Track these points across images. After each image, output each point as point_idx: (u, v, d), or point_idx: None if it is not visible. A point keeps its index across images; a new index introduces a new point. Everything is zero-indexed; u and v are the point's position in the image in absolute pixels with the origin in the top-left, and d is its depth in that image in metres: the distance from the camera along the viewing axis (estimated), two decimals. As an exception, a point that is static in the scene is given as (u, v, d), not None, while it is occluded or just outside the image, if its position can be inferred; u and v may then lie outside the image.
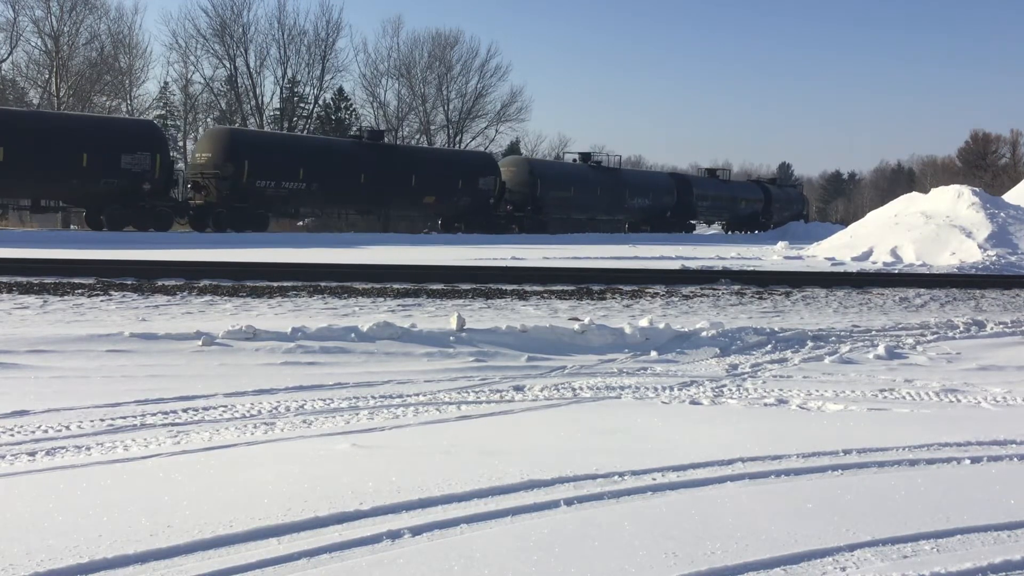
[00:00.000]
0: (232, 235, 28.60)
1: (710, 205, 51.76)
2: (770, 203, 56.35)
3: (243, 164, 30.66)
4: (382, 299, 11.09)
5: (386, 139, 40.39)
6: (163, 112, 56.17)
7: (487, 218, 38.95)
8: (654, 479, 4.29)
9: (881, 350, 8.70)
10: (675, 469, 4.45)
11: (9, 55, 48.31)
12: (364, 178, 34.64)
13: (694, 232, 50.01)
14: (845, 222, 49.07)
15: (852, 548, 3.45)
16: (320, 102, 58.96)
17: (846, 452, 4.86)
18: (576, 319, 9.39)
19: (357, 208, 37.27)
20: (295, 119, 57.00)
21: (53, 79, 48.20)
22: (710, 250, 27.53)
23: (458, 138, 61.00)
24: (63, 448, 4.64)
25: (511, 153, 60.31)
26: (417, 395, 6.32)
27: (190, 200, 31.89)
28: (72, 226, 36.32)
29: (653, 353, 8.30)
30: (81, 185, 27.99)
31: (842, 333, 9.53)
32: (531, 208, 40.35)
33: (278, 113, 57.77)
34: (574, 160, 48.52)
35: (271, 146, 33.73)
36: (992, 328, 10.19)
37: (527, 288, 12.86)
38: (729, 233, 53.96)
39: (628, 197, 45.88)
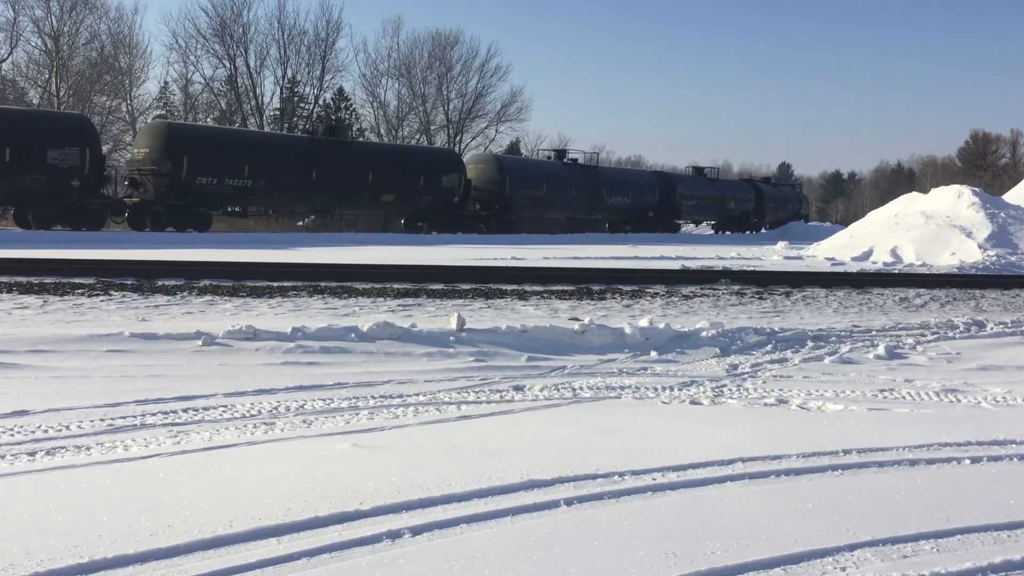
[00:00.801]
0: (173, 235, 27.49)
1: (696, 204, 49.95)
2: (762, 202, 54.74)
3: (182, 160, 29.15)
4: (382, 299, 11.09)
5: (354, 136, 40.03)
6: (163, 112, 56.11)
7: (452, 217, 37.21)
8: (654, 479, 4.29)
9: (881, 350, 8.70)
10: (675, 469, 4.45)
11: (9, 55, 48.31)
12: (316, 175, 32.97)
13: (679, 232, 48.27)
14: (845, 222, 48.84)
15: (852, 548, 3.45)
16: (320, 102, 58.96)
17: (846, 452, 4.86)
18: (576, 319, 9.39)
19: (309, 206, 35.93)
20: (295, 119, 56.99)
21: (53, 79, 48.18)
22: (710, 250, 27.53)
23: (458, 138, 60.97)
24: (63, 448, 4.64)
25: (511, 153, 60.26)
26: (417, 395, 6.32)
27: (128, 198, 30.25)
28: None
29: (653, 353, 8.30)
30: (5, 182, 26.44)
31: (842, 333, 9.53)
32: (499, 207, 38.69)
33: (278, 113, 57.77)
34: (548, 157, 46.92)
35: (213, 141, 31.62)
36: (992, 328, 10.19)
37: (527, 288, 12.86)
38: (718, 233, 52.43)
39: (606, 196, 44.11)
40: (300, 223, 38.33)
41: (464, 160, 42.70)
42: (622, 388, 6.84)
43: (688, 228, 55.98)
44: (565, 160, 44.57)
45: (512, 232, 37.48)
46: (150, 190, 29.32)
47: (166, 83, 56.73)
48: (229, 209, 33.14)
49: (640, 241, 34.05)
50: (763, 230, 56.20)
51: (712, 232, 54.13)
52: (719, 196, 51.59)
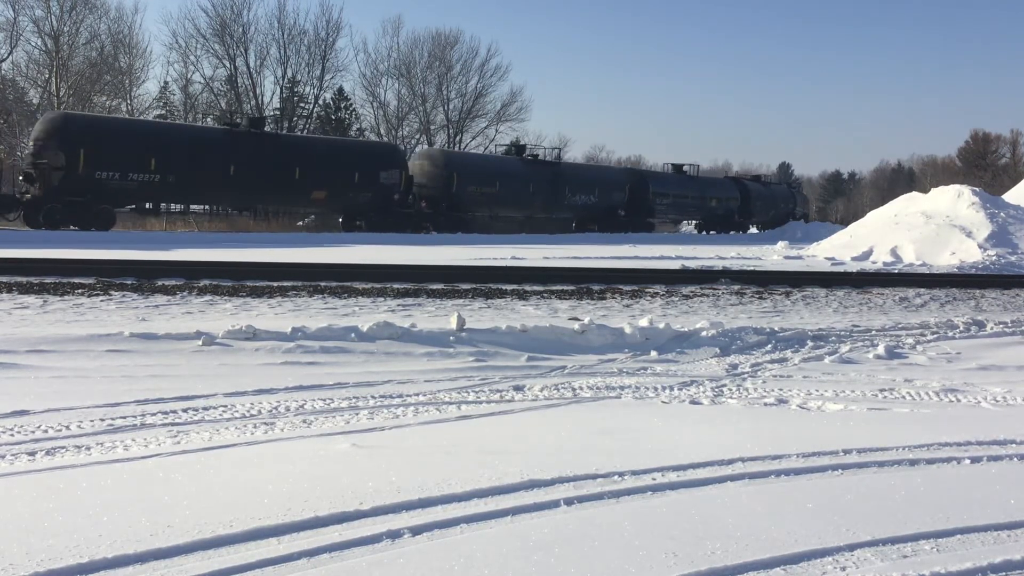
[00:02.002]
0: (67, 233, 25.51)
1: (672, 203, 47.54)
2: (748, 201, 52.57)
3: (78, 152, 26.98)
4: (382, 299, 11.09)
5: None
6: (163, 112, 56.12)
7: (392, 216, 35.01)
8: (654, 479, 4.29)
9: (881, 350, 8.70)
10: (675, 469, 4.45)
11: (9, 55, 48.30)
12: (234, 170, 30.62)
13: (653, 232, 45.53)
14: (845, 222, 48.32)
15: (852, 548, 3.45)
16: (320, 102, 58.97)
17: (846, 452, 4.86)
18: (576, 319, 9.38)
19: (228, 203, 33.74)
20: (295, 119, 57.00)
21: (53, 79, 48.17)
22: (709, 250, 27.53)
23: (458, 138, 60.97)
24: (63, 448, 4.64)
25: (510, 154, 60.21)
26: (417, 395, 6.32)
27: (23, 194, 28.26)
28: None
29: (653, 353, 8.30)
30: None
31: (842, 333, 9.53)
32: (447, 205, 36.52)
33: (278, 113, 57.77)
34: (505, 152, 44.75)
35: (114, 133, 29.10)
36: (992, 328, 10.19)
37: (527, 288, 12.86)
38: (701, 233, 50.39)
39: (569, 193, 41.84)
40: (300, 223, 38.09)
41: (414, 155, 40.56)
42: (622, 388, 6.84)
43: (684, 228, 54.27)
44: (525, 156, 42.47)
45: (462, 232, 35.75)
46: (45, 185, 27.36)
47: (166, 83, 56.78)
48: (139, 206, 31.33)
49: (607, 241, 32.80)
50: (752, 230, 54.69)
51: (695, 232, 52.32)
52: (699, 195, 49.50)
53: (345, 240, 27.72)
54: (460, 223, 36.65)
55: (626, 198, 44.74)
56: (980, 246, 22.59)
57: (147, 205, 31.38)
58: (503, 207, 39.74)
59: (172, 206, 34.82)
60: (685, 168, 50.66)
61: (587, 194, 43.12)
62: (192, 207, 35.84)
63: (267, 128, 34.46)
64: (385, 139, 56.45)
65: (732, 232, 50.92)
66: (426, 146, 54.74)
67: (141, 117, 48.65)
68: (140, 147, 28.88)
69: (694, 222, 52.93)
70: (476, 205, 37.99)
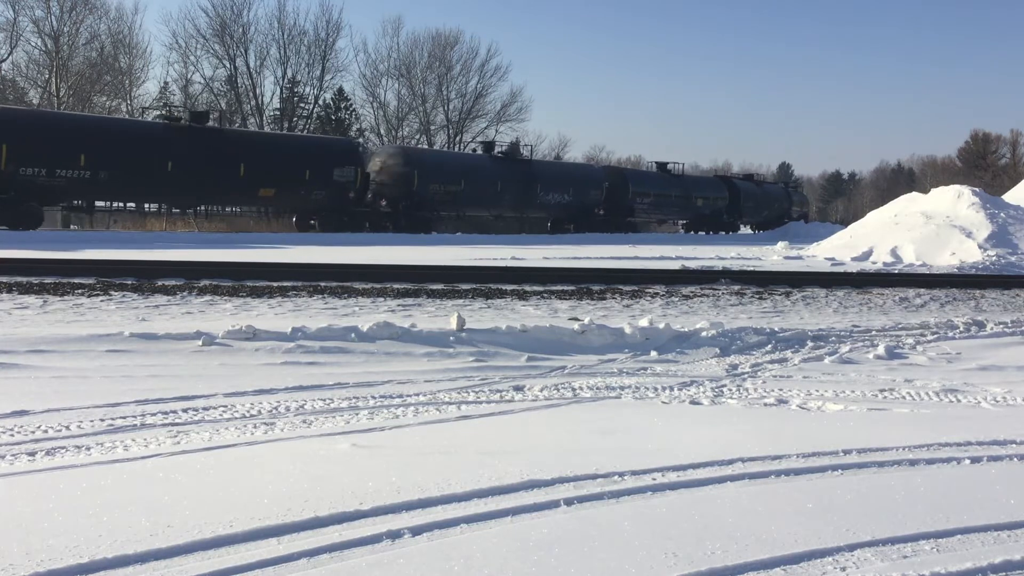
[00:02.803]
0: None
1: (653, 202, 46.12)
2: (738, 201, 51.31)
3: (0, 148, 25.70)
4: (382, 299, 11.09)
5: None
6: (163, 112, 56.12)
7: (348, 215, 33.74)
8: (654, 479, 4.29)
9: (881, 350, 8.70)
10: (675, 469, 4.45)
11: (9, 55, 48.34)
12: (172, 166, 29.08)
13: (634, 232, 43.79)
14: (845, 222, 48.08)
15: (852, 548, 3.45)
16: (320, 102, 59.03)
17: (846, 452, 4.86)
18: (576, 319, 9.38)
19: (167, 201, 31.91)
20: (295, 119, 57.01)
21: (53, 79, 48.18)
22: (710, 250, 27.53)
23: (458, 138, 61.01)
24: (63, 448, 4.64)
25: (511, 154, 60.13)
26: (417, 395, 6.32)
27: None
28: (72, 226, 36.25)
29: (653, 353, 8.30)
30: None
31: (842, 333, 9.53)
32: (407, 204, 35.06)
33: (278, 113, 57.79)
34: (473, 150, 43.37)
35: (39, 127, 27.80)
36: (992, 328, 10.19)
37: (527, 288, 12.86)
38: (688, 233, 49.18)
39: (541, 192, 40.43)
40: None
41: (374, 152, 39.19)
42: (622, 388, 6.84)
43: (678, 229, 52.84)
44: (494, 153, 40.93)
45: (425, 231, 34.63)
46: None
47: (166, 83, 56.82)
48: (69, 205, 29.95)
49: (583, 241, 31.70)
50: (743, 230, 53.74)
51: (682, 232, 50.97)
52: (684, 194, 48.05)
53: (345, 240, 27.52)
54: (422, 223, 35.36)
55: (603, 197, 43.36)
56: (980, 246, 22.59)
57: (77, 203, 29.61)
58: (470, 206, 38.42)
59: (117, 204, 33.04)
60: (670, 166, 49.42)
61: (561, 193, 41.62)
62: (136, 205, 33.69)
63: (211, 123, 32.74)
64: (386, 140, 56.45)
65: (721, 232, 49.50)
66: (425, 145, 54.67)
67: (143, 117, 48.47)
68: (68, 142, 27.39)
69: (682, 222, 51.57)
70: (440, 204, 36.58)
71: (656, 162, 50.48)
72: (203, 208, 34.05)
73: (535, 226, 43.17)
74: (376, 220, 34.93)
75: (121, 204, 32.41)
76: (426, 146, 56.69)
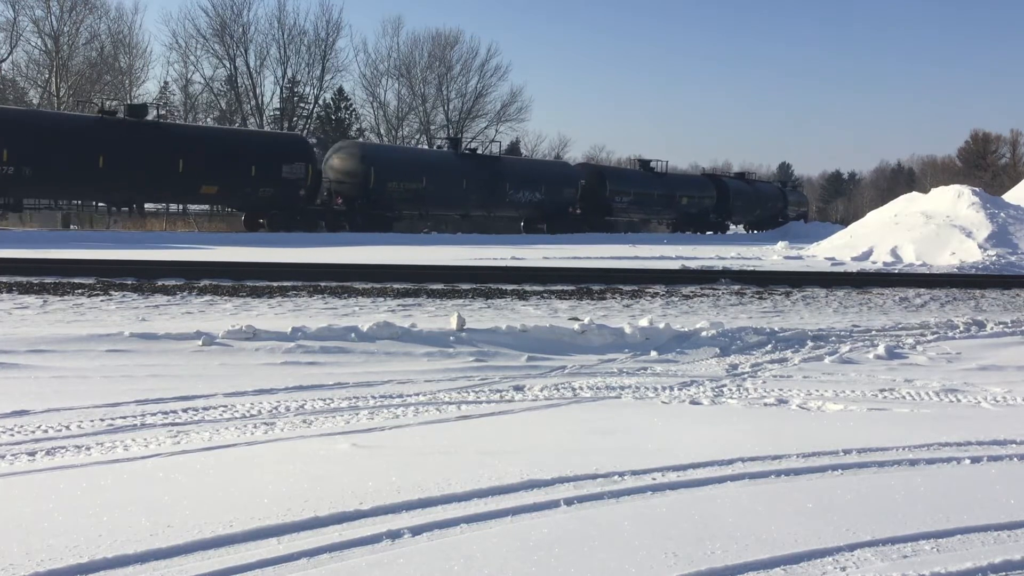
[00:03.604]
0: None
1: (634, 201, 44.10)
2: (726, 200, 49.40)
3: None
4: (382, 299, 11.09)
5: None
6: (164, 112, 56.12)
7: (298, 213, 31.95)
8: (654, 479, 4.29)
9: (881, 350, 8.70)
10: (675, 469, 4.45)
11: (9, 55, 48.36)
12: (104, 162, 27.44)
13: (613, 232, 41.81)
14: (845, 222, 47.88)
15: (852, 548, 3.45)
16: (320, 102, 59.06)
17: (846, 452, 4.86)
18: (576, 319, 9.38)
19: (100, 198, 30.00)
20: (295, 119, 57.03)
21: (53, 79, 48.20)
22: (710, 250, 27.54)
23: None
24: (63, 448, 4.64)
25: (510, 154, 60.14)
26: (417, 395, 6.32)
27: None
28: (72, 226, 36.22)
29: (653, 353, 8.30)
30: None
31: (842, 333, 9.53)
32: (364, 202, 33.33)
33: (278, 113, 57.80)
34: (438, 147, 41.93)
35: None
36: (992, 328, 10.19)
37: (527, 288, 12.86)
38: (674, 233, 47.04)
39: (510, 190, 38.58)
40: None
41: (331, 148, 37.48)
42: (622, 388, 6.84)
43: (665, 228, 50.54)
44: (460, 150, 39.49)
45: (384, 231, 32.73)
46: None
47: (166, 83, 56.87)
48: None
49: (558, 242, 30.56)
50: (734, 230, 52.60)
51: (668, 231, 48.79)
52: (667, 192, 46.23)
53: (345, 240, 27.46)
54: (381, 222, 33.55)
55: (579, 195, 41.72)
56: (980, 246, 22.59)
57: (4, 201, 27.73)
58: (433, 205, 36.63)
59: (46, 202, 30.91)
60: (653, 164, 47.72)
61: (532, 191, 39.78)
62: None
63: (151, 116, 30.89)
64: (385, 140, 56.39)
65: (709, 232, 47.95)
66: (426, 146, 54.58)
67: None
68: None
69: (668, 221, 49.49)
70: (400, 203, 34.84)
71: (639, 159, 49.02)
72: (158, 207, 32.70)
73: (507, 225, 41.45)
74: (332, 219, 33.42)
75: (57, 201, 30.69)
76: (425, 145, 56.66)
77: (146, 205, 33.14)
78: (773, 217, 54.48)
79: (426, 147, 43.87)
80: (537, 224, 41.62)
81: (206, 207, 36.20)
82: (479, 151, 41.12)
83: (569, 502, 3.91)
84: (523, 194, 39.64)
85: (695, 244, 32.94)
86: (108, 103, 33.96)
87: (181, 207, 35.46)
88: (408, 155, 38.73)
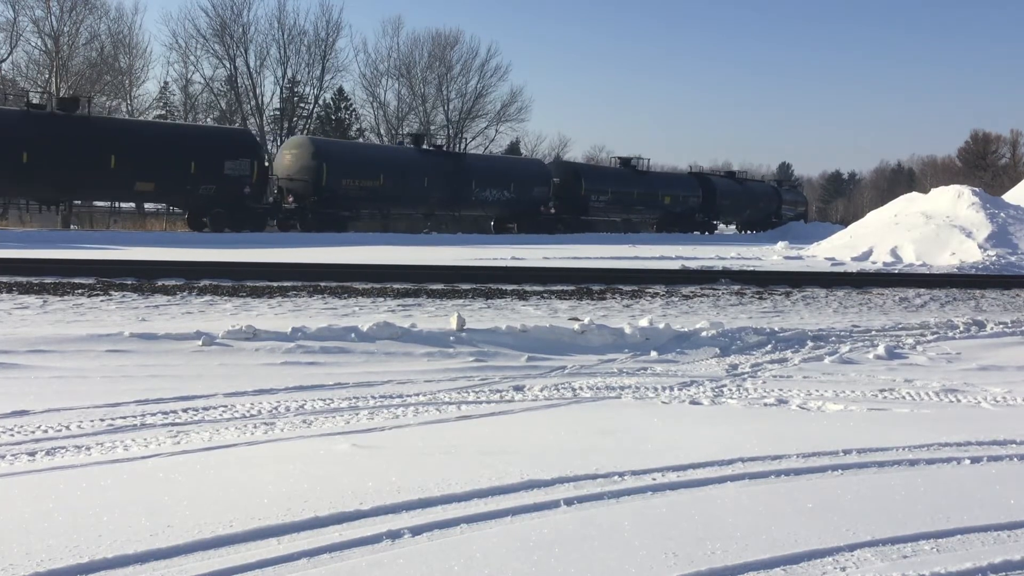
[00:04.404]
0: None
1: (612, 199, 42.55)
2: (713, 199, 48.01)
3: None
4: (382, 299, 11.09)
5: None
6: (163, 112, 56.15)
7: (243, 211, 30.13)
8: (654, 479, 4.29)
9: (881, 350, 8.70)
10: (675, 469, 4.45)
11: (9, 55, 48.33)
12: (29, 158, 25.88)
13: (589, 232, 40.00)
14: (845, 222, 47.67)
15: (852, 548, 3.45)
16: (320, 102, 59.05)
17: (846, 452, 4.86)
18: (576, 319, 9.38)
19: (25, 196, 28.55)
20: (295, 119, 57.02)
21: (53, 79, 48.17)
22: (710, 250, 27.54)
23: (458, 138, 61.01)
24: (63, 448, 4.63)
25: (511, 153, 60.12)
26: (417, 395, 6.32)
27: None
28: (72, 226, 36.20)
29: (653, 353, 8.30)
30: None
31: (842, 333, 9.53)
32: (317, 200, 31.74)
33: (278, 113, 57.80)
34: (400, 143, 40.48)
35: None
36: (992, 328, 10.19)
37: (527, 288, 12.86)
38: (655, 233, 44.92)
39: (476, 188, 37.06)
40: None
41: (285, 144, 35.67)
42: (622, 388, 6.84)
43: (652, 228, 48.23)
44: (424, 147, 37.80)
45: (339, 231, 31.41)
46: None
47: (166, 83, 56.91)
48: None
49: (531, 242, 29.31)
50: (723, 229, 51.50)
51: (653, 232, 45.97)
52: (648, 191, 44.76)
53: (345, 240, 27.35)
54: (335, 221, 32.01)
55: (552, 194, 40.12)
56: (980, 246, 22.60)
57: None
58: (394, 204, 35.05)
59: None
60: (634, 162, 46.19)
61: (500, 189, 38.03)
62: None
63: (83, 110, 28.99)
64: (385, 140, 56.32)
65: (695, 232, 46.27)
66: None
67: (142, 117, 48.27)
68: None
69: (652, 221, 47.49)
70: (356, 201, 33.18)
71: (619, 157, 47.34)
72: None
73: (474, 225, 39.70)
74: (284, 218, 32.00)
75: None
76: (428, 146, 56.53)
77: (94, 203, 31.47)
78: (766, 217, 53.27)
79: (399, 144, 41.92)
80: (507, 224, 40.08)
81: (159, 206, 34.55)
82: (444, 147, 39.64)
83: (569, 502, 3.91)
84: (490, 192, 38.03)
85: (681, 244, 32.91)
86: (37, 96, 32.56)
87: (116, 205, 34.05)
88: (364, 151, 36.94)
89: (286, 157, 32.91)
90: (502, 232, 39.25)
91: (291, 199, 31.91)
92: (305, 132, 54.58)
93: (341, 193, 32.33)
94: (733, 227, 55.30)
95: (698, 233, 46.38)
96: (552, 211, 40.20)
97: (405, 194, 34.78)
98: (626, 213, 44.92)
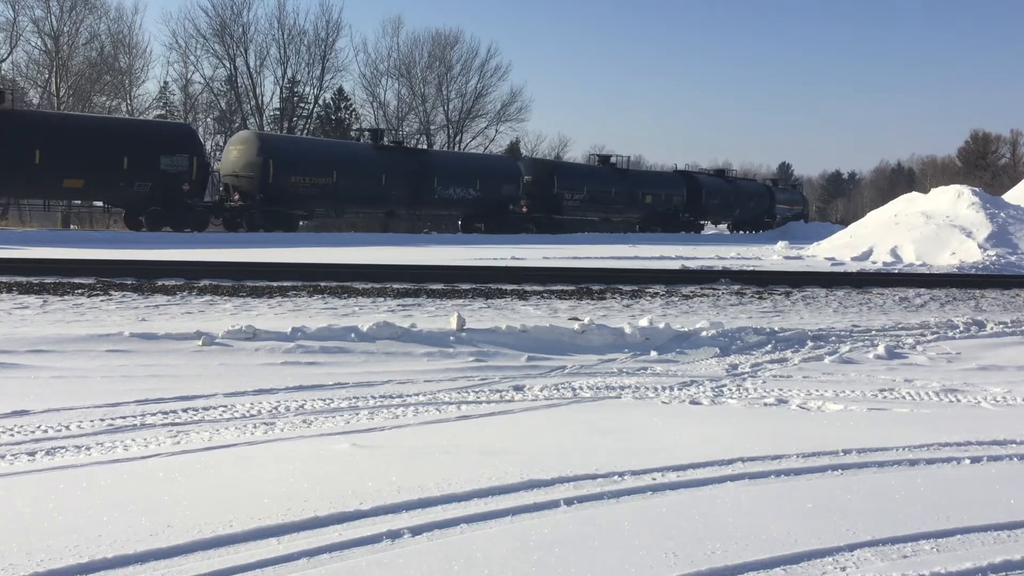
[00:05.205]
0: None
1: (588, 198, 41.19)
2: (698, 198, 46.65)
3: None
4: (382, 299, 11.09)
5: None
6: (163, 112, 56.14)
7: (182, 210, 28.89)
8: (654, 479, 4.29)
9: (881, 350, 8.70)
10: (675, 469, 4.45)
11: (9, 55, 48.32)
12: None
13: (563, 232, 38.44)
14: (845, 222, 47.57)
15: (852, 548, 3.45)
16: (320, 102, 59.03)
17: (846, 452, 4.86)
18: (576, 319, 9.38)
19: None
20: (295, 119, 57.02)
21: (53, 79, 48.20)
22: (709, 250, 27.54)
23: (458, 138, 61.00)
24: (63, 448, 4.64)
25: (511, 153, 60.10)
26: (417, 395, 6.32)
27: None
28: (72, 226, 36.20)
29: (653, 353, 8.30)
30: None
31: (842, 333, 9.53)
32: (263, 198, 30.29)
33: (278, 113, 57.80)
34: (356, 139, 39.24)
35: None
36: (992, 328, 10.19)
37: (527, 288, 12.86)
38: (636, 233, 43.18)
39: (439, 186, 35.58)
40: (300, 223, 37.09)
41: (230, 140, 34.11)
42: (622, 388, 6.84)
43: (642, 229, 45.98)
44: (383, 144, 36.27)
45: (288, 230, 30.55)
46: None
47: (166, 83, 56.88)
48: None
49: (499, 243, 28.40)
50: (711, 229, 50.66)
51: (637, 232, 44.06)
52: (627, 190, 43.31)
53: (345, 240, 27.36)
54: (284, 220, 30.82)
55: (522, 192, 38.65)
56: (980, 246, 22.59)
57: None
58: (348, 202, 33.67)
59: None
60: (613, 159, 44.68)
61: (465, 187, 36.51)
62: None
63: (6, 103, 27.53)
64: (385, 140, 56.24)
65: (682, 232, 44.59)
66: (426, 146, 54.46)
67: (141, 116, 48.23)
68: None
69: (633, 220, 45.86)
70: (307, 199, 31.86)
71: (598, 155, 46.01)
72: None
73: (441, 224, 38.67)
74: (230, 217, 30.61)
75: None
76: (429, 146, 56.61)
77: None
78: (757, 217, 52.12)
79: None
80: (474, 224, 38.61)
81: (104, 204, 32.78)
82: (405, 144, 38.19)
83: (569, 502, 3.91)
84: (454, 191, 36.34)
85: (681, 244, 32.91)
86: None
87: (47, 204, 32.94)
88: (314, 147, 35.08)
89: (232, 153, 31.44)
90: (470, 232, 38.04)
91: (237, 197, 30.54)
92: (305, 132, 54.61)
93: (290, 191, 31.02)
94: (724, 227, 54.59)
95: (684, 233, 44.66)
96: (524, 210, 38.81)
97: (361, 192, 33.40)
98: (604, 212, 43.51)
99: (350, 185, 32.64)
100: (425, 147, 39.35)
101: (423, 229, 35.40)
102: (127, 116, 39.64)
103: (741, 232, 51.76)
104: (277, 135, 40.98)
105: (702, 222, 49.35)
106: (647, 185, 45.41)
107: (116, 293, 10.66)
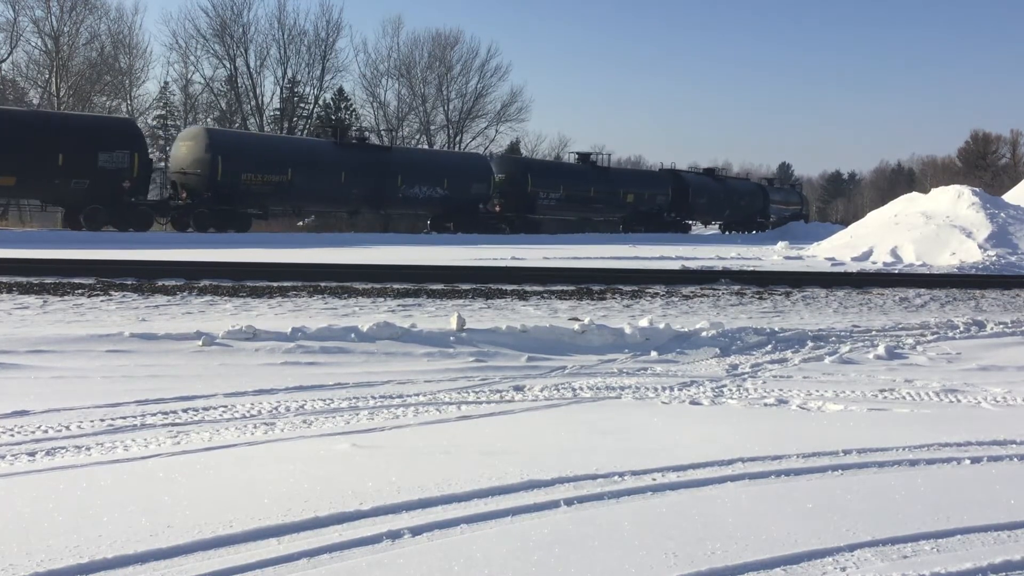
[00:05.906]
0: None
1: (565, 197, 39.82)
2: (686, 197, 45.36)
3: None
4: (382, 299, 11.08)
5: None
6: (163, 112, 56.13)
7: (123, 208, 27.77)
8: (654, 479, 4.29)
9: (881, 350, 8.70)
10: (675, 469, 4.45)
11: (9, 55, 48.32)
12: None
13: (537, 232, 37.63)
14: (845, 222, 47.45)
15: (852, 548, 3.45)
16: (320, 102, 59.00)
17: (846, 452, 4.86)
18: (576, 319, 9.38)
19: None
20: (295, 119, 57.01)
21: (53, 79, 48.20)
22: (710, 250, 27.54)
23: (458, 138, 60.98)
24: (63, 448, 4.64)
25: (511, 153, 60.08)
26: (417, 395, 6.32)
27: None
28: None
29: (653, 353, 8.30)
30: None
31: (842, 333, 9.53)
32: (211, 196, 29.12)
33: (278, 113, 57.78)
34: (318, 136, 38.49)
35: None
36: (992, 328, 10.19)
37: (527, 288, 12.86)
38: (624, 234, 42.33)
39: (403, 185, 34.29)
40: (300, 223, 37.01)
41: (179, 135, 33.07)
42: (622, 388, 6.84)
43: (625, 229, 44.77)
44: (346, 140, 35.28)
45: (241, 230, 29.60)
46: None
47: (166, 83, 56.82)
48: None
49: (468, 242, 27.87)
50: (700, 229, 49.76)
51: (620, 232, 43.40)
52: (608, 189, 41.95)
53: (346, 240, 27.34)
54: (235, 219, 29.68)
55: (493, 191, 37.36)
56: (980, 246, 22.59)
57: None
58: (306, 200, 32.54)
59: None
60: (594, 157, 43.69)
61: (432, 185, 35.24)
62: None
63: None
64: (384, 140, 56.28)
65: (669, 232, 43.54)
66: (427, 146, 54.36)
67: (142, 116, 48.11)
68: None
69: (615, 220, 44.80)
70: (260, 197, 30.51)
71: (577, 153, 44.74)
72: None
73: (406, 224, 37.72)
74: (177, 216, 29.46)
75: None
76: (429, 146, 56.58)
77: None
78: (750, 217, 51.14)
79: (318, 137, 39.56)
80: (443, 224, 37.38)
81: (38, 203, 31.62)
82: (368, 141, 37.31)
83: (569, 502, 3.91)
84: (420, 189, 35.04)
85: (681, 245, 32.89)
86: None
87: None
88: (267, 143, 33.79)
89: (180, 149, 30.29)
90: (440, 232, 36.94)
91: (184, 195, 29.43)
92: (304, 132, 54.58)
93: (241, 189, 29.69)
94: (715, 227, 53.70)
95: (669, 233, 43.35)
96: (496, 209, 37.61)
97: (319, 191, 32.17)
98: (583, 212, 42.07)
99: (307, 183, 31.48)
100: (388, 144, 38.14)
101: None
102: (64, 111, 37.83)
103: (732, 232, 50.56)
104: (227, 130, 39.36)
105: (689, 222, 48.13)
106: (629, 184, 44.01)
107: (116, 293, 10.66)
